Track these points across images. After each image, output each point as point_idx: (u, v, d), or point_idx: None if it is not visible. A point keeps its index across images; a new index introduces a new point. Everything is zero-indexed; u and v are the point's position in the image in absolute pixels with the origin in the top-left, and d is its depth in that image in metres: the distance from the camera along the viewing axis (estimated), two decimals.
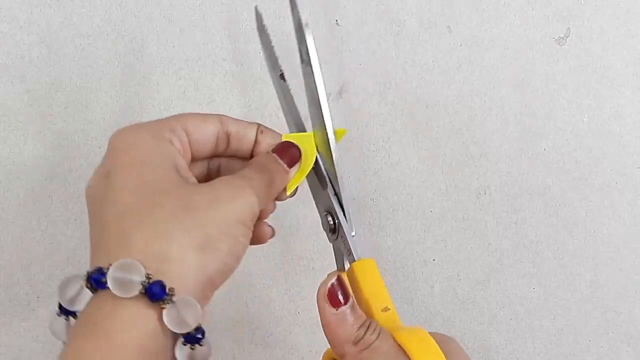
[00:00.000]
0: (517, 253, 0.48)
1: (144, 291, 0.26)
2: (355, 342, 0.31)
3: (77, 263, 0.44)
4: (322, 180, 0.36)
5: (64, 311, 0.28)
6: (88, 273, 0.27)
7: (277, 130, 0.36)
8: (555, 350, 0.49)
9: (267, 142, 0.35)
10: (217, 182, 0.31)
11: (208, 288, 0.29)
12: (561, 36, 0.46)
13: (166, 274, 0.27)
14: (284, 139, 0.36)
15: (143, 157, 0.30)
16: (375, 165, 0.46)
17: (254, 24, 0.45)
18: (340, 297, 0.32)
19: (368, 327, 0.32)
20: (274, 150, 0.35)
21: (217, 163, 0.36)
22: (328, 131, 0.34)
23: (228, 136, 0.35)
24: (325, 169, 0.36)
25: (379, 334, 0.31)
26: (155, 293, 0.26)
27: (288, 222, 0.46)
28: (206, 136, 0.34)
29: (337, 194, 0.35)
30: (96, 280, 0.26)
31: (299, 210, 0.46)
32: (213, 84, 0.45)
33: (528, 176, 0.47)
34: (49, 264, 0.44)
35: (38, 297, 0.44)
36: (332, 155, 0.34)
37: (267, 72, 0.45)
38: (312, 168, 0.36)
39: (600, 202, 0.47)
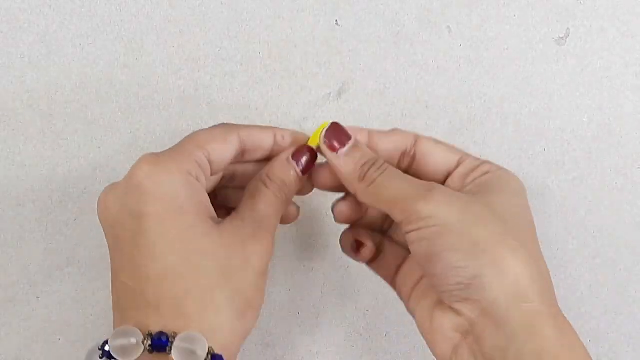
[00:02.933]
0: None
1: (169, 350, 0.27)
2: (361, 179, 0.34)
3: (77, 263, 0.44)
4: None
5: (107, 354, 0.28)
6: (150, 333, 0.27)
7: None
8: None
9: (283, 149, 0.36)
10: (242, 229, 0.31)
11: (241, 343, 0.30)
12: (561, 36, 0.46)
13: (218, 341, 0.28)
14: (310, 143, 0.36)
15: (177, 204, 0.29)
16: None
17: (253, 25, 0.45)
18: (335, 143, 0.34)
19: (372, 164, 0.34)
20: (292, 156, 0.35)
21: (232, 169, 0.37)
22: None
23: (244, 148, 0.35)
24: None
25: (384, 170, 0.34)
26: (162, 342, 0.27)
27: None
28: (227, 159, 0.34)
29: None
30: (158, 344, 0.27)
31: (300, 211, 0.46)
32: (213, 85, 0.45)
33: (528, 176, 0.47)
34: (49, 264, 0.44)
35: (38, 298, 0.44)
36: None
37: (267, 73, 0.45)
38: None
39: (600, 202, 0.47)
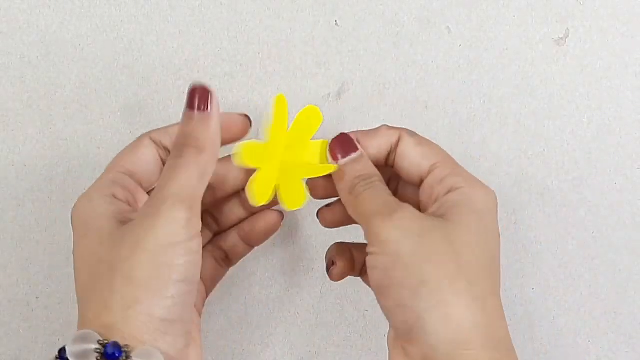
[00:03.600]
0: (517, 253, 0.48)
1: (100, 357, 0.27)
2: (349, 192, 0.34)
3: None
4: None
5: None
6: (58, 353, 0.28)
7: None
8: (555, 350, 0.49)
9: None
10: (137, 218, 0.30)
11: (169, 328, 0.29)
12: (561, 36, 0.46)
13: (120, 338, 0.28)
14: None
15: (83, 231, 0.31)
16: None
17: (253, 25, 0.45)
18: (338, 152, 0.35)
19: (365, 179, 0.34)
20: (185, 108, 0.33)
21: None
22: None
23: (167, 150, 0.35)
24: None
25: (371, 186, 0.33)
26: (111, 354, 0.27)
27: (287, 222, 0.46)
28: (148, 165, 0.34)
29: None
30: (62, 359, 0.28)
31: (300, 211, 0.46)
32: (213, 85, 0.44)
33: (528, 176, 0.47)
34: (49, 264, 0.44)
35: (37, 298, 0.44)
36: None
37: (267, 73, 0.45)
38: None
39: (600, 202, 0.47)
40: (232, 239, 0.39)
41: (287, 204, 0.35)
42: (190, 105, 0.33)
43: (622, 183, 0.47)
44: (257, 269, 0.46)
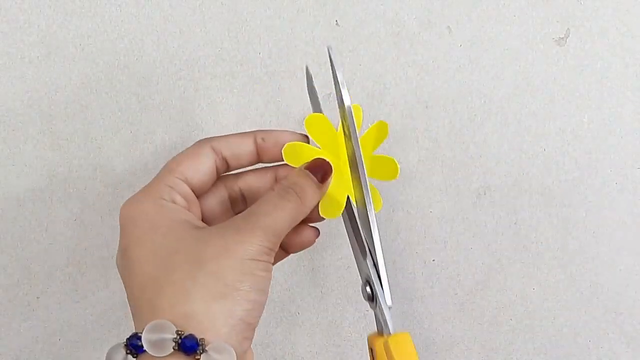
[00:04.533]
0: (517, 253, 0.48)
1: (177, 347, 0.28)
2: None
3: (77, 263, 0.44)
4: (362, 249, 0.37)
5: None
6: (126, 340, 0.29)
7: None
8: (555, 350, 0.49)
9: (271, 150, 0.37)
10: (226, 227, 0.32)
11: (243, 329, 0.30)
12: (561, 36, 0.46)
13: (196, 327, 0.29)
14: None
15: (150, 226, 0.32)
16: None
17: (253, 25, 0.45)
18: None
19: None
20: (305, 167, 0.35)
21: (246, 185, 0.38)
22: (367, 202, 0.35)
23: (225, 159, 0.36)
24: (364, 237, 0.37)
25: None
26: (189, 346, 0.28)
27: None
28: (205, 174, 0.36)
29: (375, 265, 0.36)
30: (134, 346, 0.29)
31: None
32: (213, 85, 0.45)
33: (528, 176, 0.47)
34: (49, 264, 0.44)
35: (38, 298, 0.44)
36: (370, 227, 0.35)
37: (267, 73, 0.45)
38: (353, 227, 0.37)
39: (600, 202, 0.47)
40: None
41: (326, 213, 0.37)
42: (311, 169, 0.35)
43: (622, 183, 0.47)
44: None
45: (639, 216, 0.48)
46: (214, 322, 0.29)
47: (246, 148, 0.36)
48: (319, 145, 0.37)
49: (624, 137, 0.47)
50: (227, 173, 0.38)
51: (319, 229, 0.38)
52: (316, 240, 0.39)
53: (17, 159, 0.44)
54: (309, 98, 0.40)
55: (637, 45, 0.47)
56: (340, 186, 0.37)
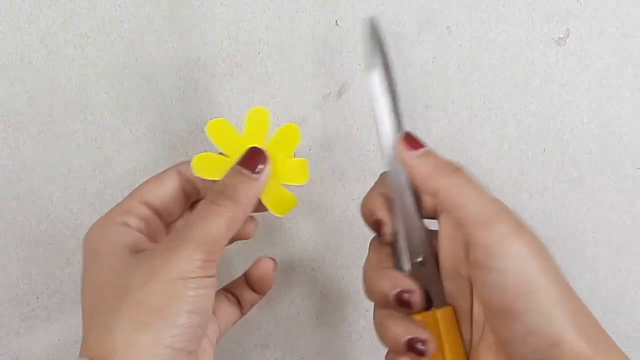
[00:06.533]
0: None
1: None
2: (453, 172, 0.32)
3: (77, 264, 0.44)
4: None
5: None
6: None
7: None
8: None
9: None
10: (156, 248, 0.31)
11: (175, 357, 0.29)
12: (561, 36, 0.46)
13: None
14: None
15: (94, 254, 0.32)
16: (375, 166, 0.46)
17: (253, 25, 0.45)
18: (419, 142, 0.34)
19: (459, 167, 0.33)
20: (238, 162, 0.34)
21: None
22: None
23: (192, 182, 0.36)
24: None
25: (470, 177, 0.33)
26: None
27: (288, 222, 0.46)
28: (168, 197, 0.35)
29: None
30: None
31: (300, 211, 0.46)
32: (212, 85, 0.45)
33: (528, 176, 0.47)
34: (49, 264, 0.44)
35: (37, 298, 0.44)
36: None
37: (267, 73, 0.45)
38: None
39: (600, 202, 0.47)
40: (241, 286, 0.39)
41: (276, 210, 0.36)
42: (244, 163, 0.34)
43: (622, 183, 0.47)
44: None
45: (639, 216, 0.48)
46: (137, 355, 0.28)
47: None
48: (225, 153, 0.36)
49: (624, 137, 0.47)
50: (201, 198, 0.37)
51: (275, 260, 0.38)
52: (274, 269, 0.38)
53: (17, 159, 0.44)
54: (369, 51, 0.35)
55: (637, 45, 0.47)
56: (275, 182, 0.36)
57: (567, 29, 0.46)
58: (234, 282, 0.39)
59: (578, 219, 0.47)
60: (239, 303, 0.39)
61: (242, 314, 0.39)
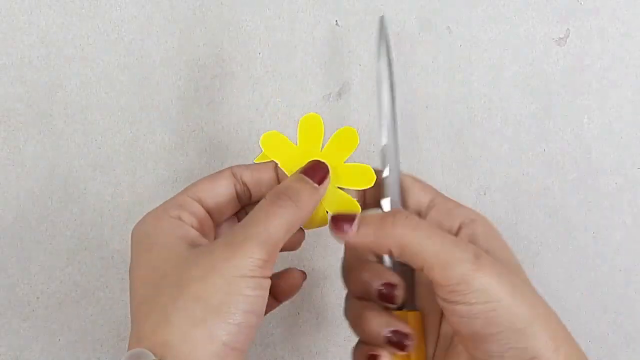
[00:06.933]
0: (517, 253, 0.48)
1: None
2: (392, 224, 0.32)
3: (77, 264, 0.44)
4: None
5: None
6: None
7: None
8: None
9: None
10: (217, 244, 0.31)
11: (227, 355, 0.29)
12: (561, 37, 0.46)
13: (175, 356, 0.28)
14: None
15: (147, 245, 0.32)
16: (375, 166, 0.46)
17: (253, 25, 0.45)
18: (342, 224, 0.33)
19: (396, 214, 0.32)
20: (300, 171, 0.34)
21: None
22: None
23: (246, 185, 0.36)
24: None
25: (417, 223, 0.32)
26: None
27: None
28: (221, 197, 0.35)
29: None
30: None
31: None
32: (213, 85, 0.45)
33: (528, 176, 0.47)
34: (49, 264, 0.44)
35: (38, 298, 0.44)
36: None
37: (267, 73, 0.45)
38: None
39: (600, 203, 0.47)
40: None
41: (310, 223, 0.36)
42: (308, 172, 0.34)
43: (622, 183, 0.47)
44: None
45: (639, 216, 0.48)
46: (193, 349, 0.28)
47: (267, 175, 0.36)
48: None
49: (624, 137, 0.47)
50: (252, 202, 0.37)
51: (305, 273, 0.38)
52: (302, 283, 0.38)
53: (17, 159, 0.44)
54: (378, 49, 0.37)
55: (637, 45, 0.47)
56: (332, 187, 0.36)
57: (567, 29, 0.46)
58: None
59: (578, 219, 0.47)
60: None
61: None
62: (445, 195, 0.36)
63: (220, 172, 0.36)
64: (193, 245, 0.32)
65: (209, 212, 0.35)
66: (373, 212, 0.36)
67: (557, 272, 0.48)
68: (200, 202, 0.34)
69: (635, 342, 0.49)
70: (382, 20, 0.37)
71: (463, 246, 0.31)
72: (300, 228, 0.37)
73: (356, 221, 0.33)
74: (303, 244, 0.47)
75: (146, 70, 0.44)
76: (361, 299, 0.34)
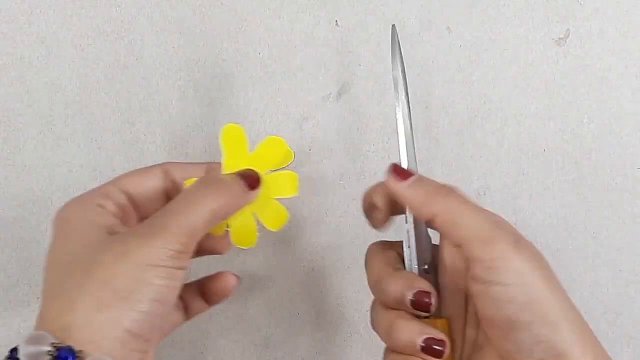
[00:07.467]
0: None
1: None
2: (446, 194, 0.32)
3: None
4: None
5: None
6: (8, 352, 0.28)
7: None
8: None
9: None
10: (132, 230, 0.31)
11: (130, 341, 0.28)
12: (561, 37, 0.46)
13: (77, 339, 0.27)
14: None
15: (66, 231, 0.32)
16: (375, 166, 0.46)
17: (253, 25, 0.45)
18: (407, 171, 0.34)
19: (451, 189, 0.33)
20: (237, 173, 0.34)
21: None
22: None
23: (175, 183, 0.35)
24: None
25: (464, 199, 0.33)
26: (64, 358, 0.27)
27: (288, 223, 0.46)
28: (149, 191, 0.35)
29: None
30: (14, 359, 0.28)
31: (300, 211, 0.46)
32: (213, 85, 0.45)
33: (528, 176, 0.47)
34: None
35: (38, 298, 0.44)
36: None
37: (267, 73, 0.45)
38: None
39: (600, 203, 0.47)
40: (193, 292, 0.38)
41: (271, 225, 0.36)
42: (244, 178, 0.34)
43: (622, 183, 0.47)
44: (258, 269, 0.46)
45: (639, 216, 0.48)
46: (95, 334, 0.28)
47: (197, 175, 0.35)
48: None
49: (624, 137, 0.47)
50: None
51: (239, 276, 0.37)
52: (234, 287, 0.37)
53: (17, 159, 0.44)
54: (393, 59, 0.37)
55: (637, 45, 0.47)
56: (249, 213, 0.36)
57: (567, 29, 0.46)
58: (185, 286, 0.38)
59: (578, 219, 0.47)
60: (185, 309, 0.37)
61: (185, 320, 0.38)
62: None
63: (151, 166, 0.35)
64: (112, 233, 0.31)
65: (135, 205, 0.35)
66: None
67: (557, 272, 0.48)
68: (126, 194, 0.34)
69: (635, 342, 0.49)
70: (394, 30, 0.37)
71: (508, 228, 0.31)
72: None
73: (414, 177, 0.34)
74: (303, 244, 0.47)
75: (146, 70, 0.44)
76: (394, 308, 0.34)
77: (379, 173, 0.46)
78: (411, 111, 0.36)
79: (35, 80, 0.43)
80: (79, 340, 0.27)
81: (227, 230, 0.35)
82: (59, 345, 0.27)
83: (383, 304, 0.34)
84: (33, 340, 0.27)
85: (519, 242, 0.31)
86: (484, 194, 0.47)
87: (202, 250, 0.35)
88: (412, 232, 0.35)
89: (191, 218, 0.30)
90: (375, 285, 0.34)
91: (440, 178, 0.47)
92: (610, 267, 0.48)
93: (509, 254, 0.30)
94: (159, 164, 0.36)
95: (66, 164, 0.44)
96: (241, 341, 0.47)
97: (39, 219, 0.44)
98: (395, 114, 0.36)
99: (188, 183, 0.35)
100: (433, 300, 0.32)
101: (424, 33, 0.46)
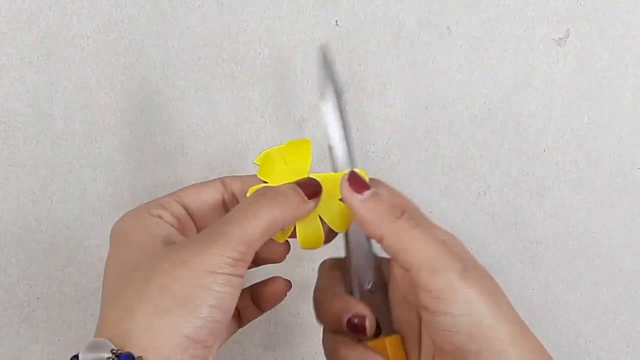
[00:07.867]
0: (517, 253, 0.48)
1: None
2: (397, 217, 0.32)
3: (77, 264, 0.44)
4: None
5: None
6: None
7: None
8: (555, 350, 0.49)
9: None
10: (191, 239, 0.31)
11: (190, 347, 0.28)
12: (561, 37, 0.46)
13: (136, 345, 0.27)
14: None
15: (124, 240, 0.32)
16: (375, 166, 0.46)
17: (253, 25, 0.45)
18: (358, 188, 0.33)
19: (404, 212, 0.32)
20: (296, 182, 0.34)
21: None
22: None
23: (235, 196, 0.35)
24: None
25: (419, 223, 0.32)
26: None
27: None
28: (207, 203, 0.35)
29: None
30: None
31: None
32: (213, 85, 0.45)
33: (528, 176, 0.47)
34: (49, 264, 0.44)
35: (38, 298, 0.44)
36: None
37: (267, 73, 0.45)
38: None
39: (600, 203, 0.47)
40: (245, 299, 0.38)
41: (306, 244, 0.36)
42: (302, 185, 0.34)
43: (622, 183, 0.47)
44: (258, 269, 0.46)
45: (639, 216, 0.48)
46: (155, 339, 0.28)
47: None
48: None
49: (624, 137, 0.47)
50: None
51: (290, 282, 0.37)
52: (286, 292, 0.37)
53: (17, 159, 0.44)
54: (321, 80, 0.37)
55: (637, 45, 0.47)
56: (315, 214, 0.35)
57: (567, 29, 0.46)
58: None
59: (578, 219, 0.47)
60: (239, 315, 0.38)
61: (240, 326, 0.38)
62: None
63: (210, 180, 0.35)
64: (169, 243, 0.32)
65: (193, 217, 0.35)
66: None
67: (557, 272, 0.48)
68: (184, 206, 0.34)
69: (635, 342, 0.49)
70: (323, 51, 0.35)
71: (454, 256, 0.31)
72: (286, 241, 0.36)
73: (370, 191, 0.33)
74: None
75: (146, 71, 0.44)
76: (335, 333, 0.34)
77: (379, 173, 0.46)
78: (346, 107, 0.36)
79: (35, 79, 0.43)
80: (138, 346, 0.27)
81: (287, 240, 0.35)
82: (119, 351, 0.27)
83: (326, 327, 0.35)
84: (92, 347, 0.27)
85: (467, 269, 0.30)
86: (484, 194, 0.47)
87: (259, 259, 0.35)
88: (352, 254, 0.35)
89: (249, 227, 0.30)
90: (317, 308, 0.35)
91: (440, 178, 0.47)
92: (610, 267, 0.48)
93: (455, 284, 0.30)
94: (219, 178, 0.36)
95: (66, 164, 0.44)
96: (241, 341, 0.47)
97: (39, 219, 0.44)
98: (325, 115, 0.35)
99: (251, 191, 0.34)
100: (368, 324, 0.32)
101: (424, 33, 0.46)
